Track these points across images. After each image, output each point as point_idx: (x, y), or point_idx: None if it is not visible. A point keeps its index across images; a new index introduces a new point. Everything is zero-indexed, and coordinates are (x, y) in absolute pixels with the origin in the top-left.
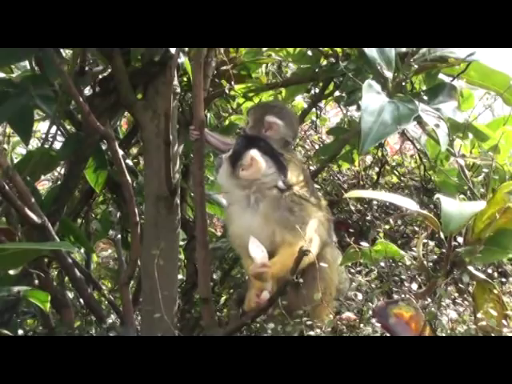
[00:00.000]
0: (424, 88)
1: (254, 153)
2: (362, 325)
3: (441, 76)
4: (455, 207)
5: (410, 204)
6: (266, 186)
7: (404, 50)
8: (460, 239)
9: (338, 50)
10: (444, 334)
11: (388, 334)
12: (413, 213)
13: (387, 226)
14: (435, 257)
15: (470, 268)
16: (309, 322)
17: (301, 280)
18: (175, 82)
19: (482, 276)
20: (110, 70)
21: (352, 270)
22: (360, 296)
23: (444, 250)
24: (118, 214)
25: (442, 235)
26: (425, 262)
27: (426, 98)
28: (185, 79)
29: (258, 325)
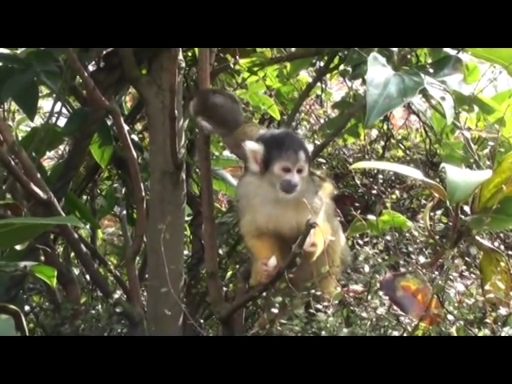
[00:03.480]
0: (429, 61)
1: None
2: (369, 297)
3: (446, 49)
4: (461, 176)
5: (415, 173)
6: None
7: None
8: (467, 209)
9: None
10: (451, 308)
11: (395, 307)
12: (419, 183)
13: (393, 197)
14: (442, 225)
15: (477, 237)
16: (318, 293)
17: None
18: (180, 56)
19: (489, 244)
20: None
21: (360, 242)
22: (367, 268)
23: (451, 220)
24: (124, 190)
25: (448, 204)
26: (431, 231)
27: (431, 70)
28: (189, 54)
29: (265, 299)
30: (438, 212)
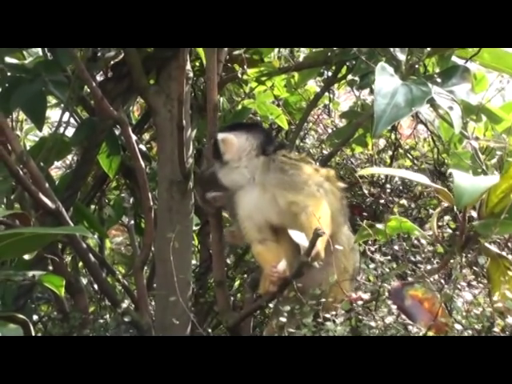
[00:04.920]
0: (437, 70)
1: (221, 136)
2: (377, 305)
3: (454, 59)
4: (468, 180)
5: (422, 178)
6: (251, 156)
7: None
8: (474, 215)
9: None
10: (459, 317)
11: (403, 316)
12: (426, 192)
13: (400, 208)
14: (450, 230)
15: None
16: (328, 300)
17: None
18: (188, 66)
19: (496, 250)
20: (122, 55)
21: (371, 249)
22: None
23: (459, 225)
24: (131, 200)
25: (455, 209)
26: (439, 237)
27: (439, 80)
28: (197, 64)
29: (272, 309)
30: (446, 218)
